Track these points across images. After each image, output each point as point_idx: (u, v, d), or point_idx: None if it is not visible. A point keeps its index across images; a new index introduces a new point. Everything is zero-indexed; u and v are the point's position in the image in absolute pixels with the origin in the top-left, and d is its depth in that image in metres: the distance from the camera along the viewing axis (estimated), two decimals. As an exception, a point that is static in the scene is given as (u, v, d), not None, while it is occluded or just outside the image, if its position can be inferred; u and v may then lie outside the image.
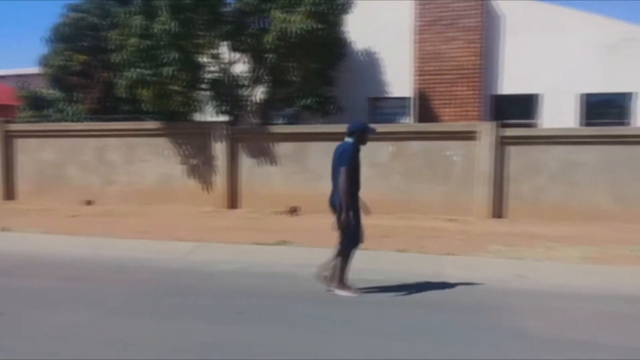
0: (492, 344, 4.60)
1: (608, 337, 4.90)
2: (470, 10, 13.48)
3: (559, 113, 13.10)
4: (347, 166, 5.69)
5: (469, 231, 9.69)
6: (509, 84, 13.70)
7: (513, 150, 10.71)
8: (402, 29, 13.94)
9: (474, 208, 10.84)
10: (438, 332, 4.88)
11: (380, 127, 12.51)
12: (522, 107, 13.63)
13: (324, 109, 13.16)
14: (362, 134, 5.98)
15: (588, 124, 12.94)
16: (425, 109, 13.93)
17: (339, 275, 5.92)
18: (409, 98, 14.23)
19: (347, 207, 5.64)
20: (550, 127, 12.07)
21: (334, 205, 5.79)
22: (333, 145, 12.55)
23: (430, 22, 13.78)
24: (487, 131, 10.73)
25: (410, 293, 6.14)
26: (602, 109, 13.33)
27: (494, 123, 11.03)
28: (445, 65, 13.76)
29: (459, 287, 6.39)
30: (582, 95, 13.29)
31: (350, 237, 5.81)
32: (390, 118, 14.48)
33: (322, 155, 11.91)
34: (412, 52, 13.97)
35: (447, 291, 6.27)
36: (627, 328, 5.17)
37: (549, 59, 13.35)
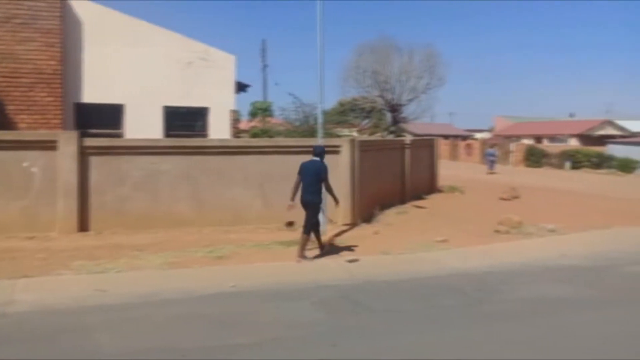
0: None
1: (184, 340, 5.25)
2: (47, 12, 12.57)
3: (143, 124, 13.48)
4: (328, 175, 8.79)
5: (51, 248, 9.07)
6: (93, 93, 13.38)
7: (96, 161, 10.49)
8: (-35, 22, 12.03)
9: (57, 222, 10.17)
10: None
11: None
12: (107, 116, 13.50)
13: None
14: (324, 154, 9.02)
15: (170, 136, 13.70)
16: (-2, 115, 12.37)
17: (301, 248, 8.59)
18: (-24, 101, 12.39)
19: (336, 197, 9.07)
20: (133, 138, 12.31)
21: (305, 201, 8.66)
22: None
23: (2, 19, 12.31)
24: (67, 141, 10.22)
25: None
26: (183, 121, 14.35)
27: (75, 132, 10.61)
28: (21, 68, 12.49)
29: (29, 315, 5.88)
30: (164, 107, 14.04)
31: (315, 220, 8.78)
32: (-49, 123, 12.31)
33: None
34: (-21, 49, 12.22)
35: (13, 322, 5.68)
36: (203, 329, 5.66)
37: (132, 70, 13.62)
